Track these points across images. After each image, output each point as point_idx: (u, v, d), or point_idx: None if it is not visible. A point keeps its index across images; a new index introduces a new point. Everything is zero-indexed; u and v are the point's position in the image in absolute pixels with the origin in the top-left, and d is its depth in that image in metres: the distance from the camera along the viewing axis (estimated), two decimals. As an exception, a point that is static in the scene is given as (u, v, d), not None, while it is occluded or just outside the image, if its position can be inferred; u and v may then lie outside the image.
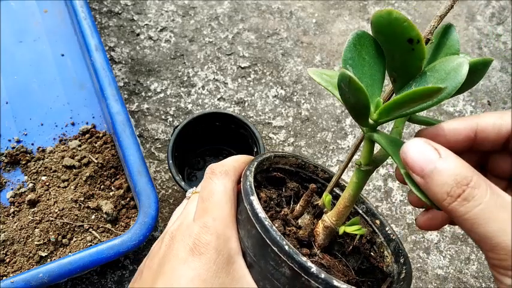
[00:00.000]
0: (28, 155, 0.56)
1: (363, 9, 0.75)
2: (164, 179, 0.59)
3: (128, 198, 0.54)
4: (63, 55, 0.63)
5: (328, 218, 0.32)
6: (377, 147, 0.29)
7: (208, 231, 0.30)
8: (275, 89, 0.67)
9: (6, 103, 0.59)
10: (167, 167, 0.60)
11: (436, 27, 0.26)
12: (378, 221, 0.38)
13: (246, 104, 0.65)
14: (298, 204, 0.34)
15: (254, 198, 0.30)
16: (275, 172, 0.37)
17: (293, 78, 0.68)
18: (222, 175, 0.33)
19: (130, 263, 0.54)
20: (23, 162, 0.55)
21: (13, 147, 0.56)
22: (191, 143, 0.56)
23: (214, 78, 0.66)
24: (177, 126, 0.53)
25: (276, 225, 0.28)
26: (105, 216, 0.52)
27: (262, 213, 0.29)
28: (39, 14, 0.66)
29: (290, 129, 0.64)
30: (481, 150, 0.27)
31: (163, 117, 0.63)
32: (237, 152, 0.60)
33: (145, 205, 0.48)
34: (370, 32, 0.27)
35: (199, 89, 0.65)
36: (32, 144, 0.57)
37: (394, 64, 0.27)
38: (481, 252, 0.59)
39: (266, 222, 0.28)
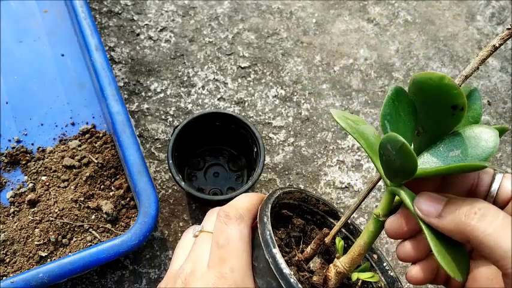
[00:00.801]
0: (28, 155, 0.56)
1: (362, 9, 0.75)
2: (164, 179, 0.59)
3: (128, 198, 0.54)
4: (63, 55, 0.63)
5: (341, 263, 0.32)
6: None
7: (226, 282, 0.29)
8: (275, 89, 0.67)
9: (6, 103, 0.59)
10: (167, 167, 0.60)
11: (461, 86, 0.27)
12: (375, 256, 0.38)
13: (246, 104, 0.65)
14: (309, 247, 0.34)
15: (277, 252, 0.29)
16: (283, 210, 0.36)
17: (293, 78, 0.68)
18: (238, 220, 0.32)
19: (131, 263, 0.54)
20: (23, 162, 0.55)
21: (13, 147, 0.56)
22: (191, 143, 0.56)
23: (214, 78, 0.66)
24: (177, 126, 0.53)
25: (292, 272, 0.28)
26: (105, 216, 0.52)
27: (286, 269, 0.28)
28: (39, 14, 0.66)
29: (290, 129, 0.64)
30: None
31: (163, 117, 0.63)
32: (237, 152, 0.60)
33: (145, 205, 0.48)
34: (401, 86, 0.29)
35: (199, 89, 0.65)
36: (32, 144, 0.57)
37: (426, 121, 0.28)
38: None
39: (292, 280, 0.28)
